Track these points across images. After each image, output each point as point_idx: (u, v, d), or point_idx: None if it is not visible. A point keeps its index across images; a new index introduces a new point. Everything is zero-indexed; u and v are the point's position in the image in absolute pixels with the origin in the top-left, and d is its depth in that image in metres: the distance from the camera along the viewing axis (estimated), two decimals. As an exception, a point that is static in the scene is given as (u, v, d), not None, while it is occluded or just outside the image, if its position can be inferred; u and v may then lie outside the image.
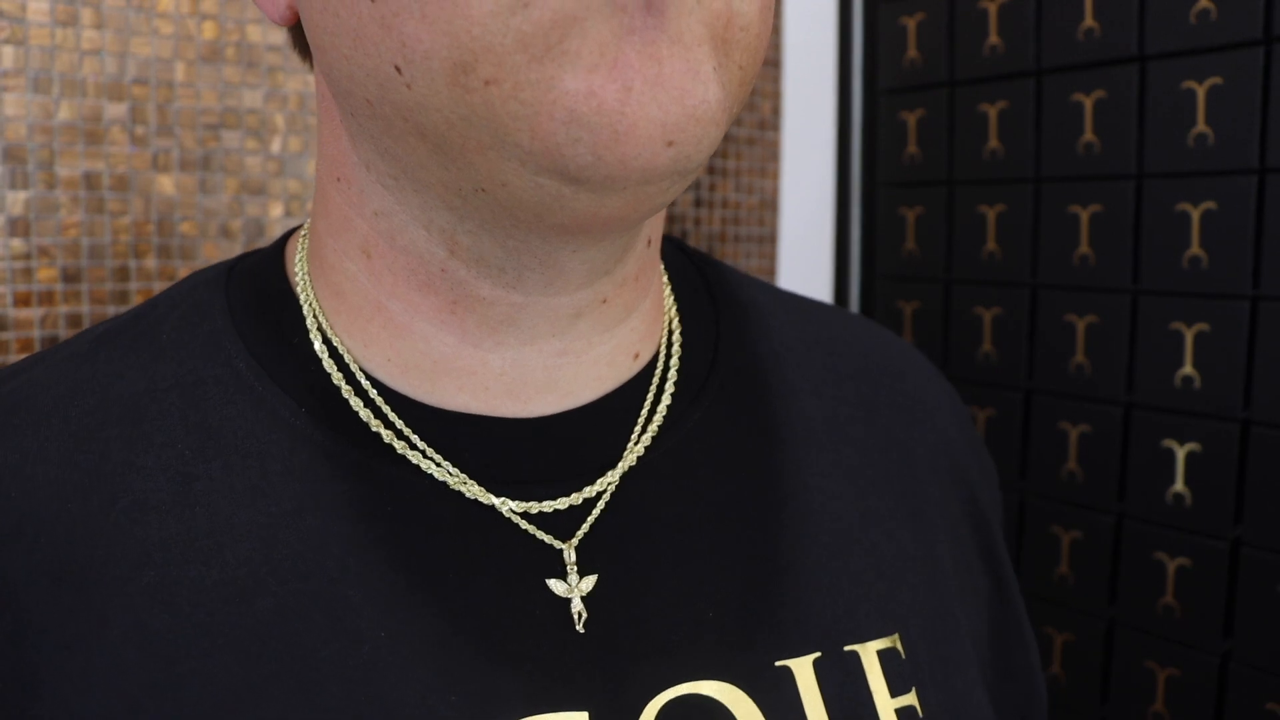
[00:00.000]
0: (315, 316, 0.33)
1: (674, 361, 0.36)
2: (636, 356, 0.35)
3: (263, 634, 0.28)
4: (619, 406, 0.34)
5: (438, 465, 0.31)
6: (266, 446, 0.30)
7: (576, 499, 0.32)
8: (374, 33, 0.25)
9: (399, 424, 0.31)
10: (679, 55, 0.24)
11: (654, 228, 0.34)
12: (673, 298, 0.38)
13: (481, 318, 0.31)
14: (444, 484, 0.31)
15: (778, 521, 0.34)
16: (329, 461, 0.30)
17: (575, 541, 0.31)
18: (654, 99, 0.24)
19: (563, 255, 0.30)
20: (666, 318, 0.37)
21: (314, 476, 0.30)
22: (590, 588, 0.31)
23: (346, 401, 0.31)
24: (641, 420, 0.34)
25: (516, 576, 0.30)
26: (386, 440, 0.31)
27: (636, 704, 0.29)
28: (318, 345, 0.32)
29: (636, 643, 0.30)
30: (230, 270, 0.35)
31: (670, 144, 0.25)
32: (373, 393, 0.32)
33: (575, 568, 0.31)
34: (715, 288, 0.40)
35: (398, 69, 0.25)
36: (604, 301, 0.33)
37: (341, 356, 0.32)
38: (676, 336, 0.37)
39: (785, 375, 0.38)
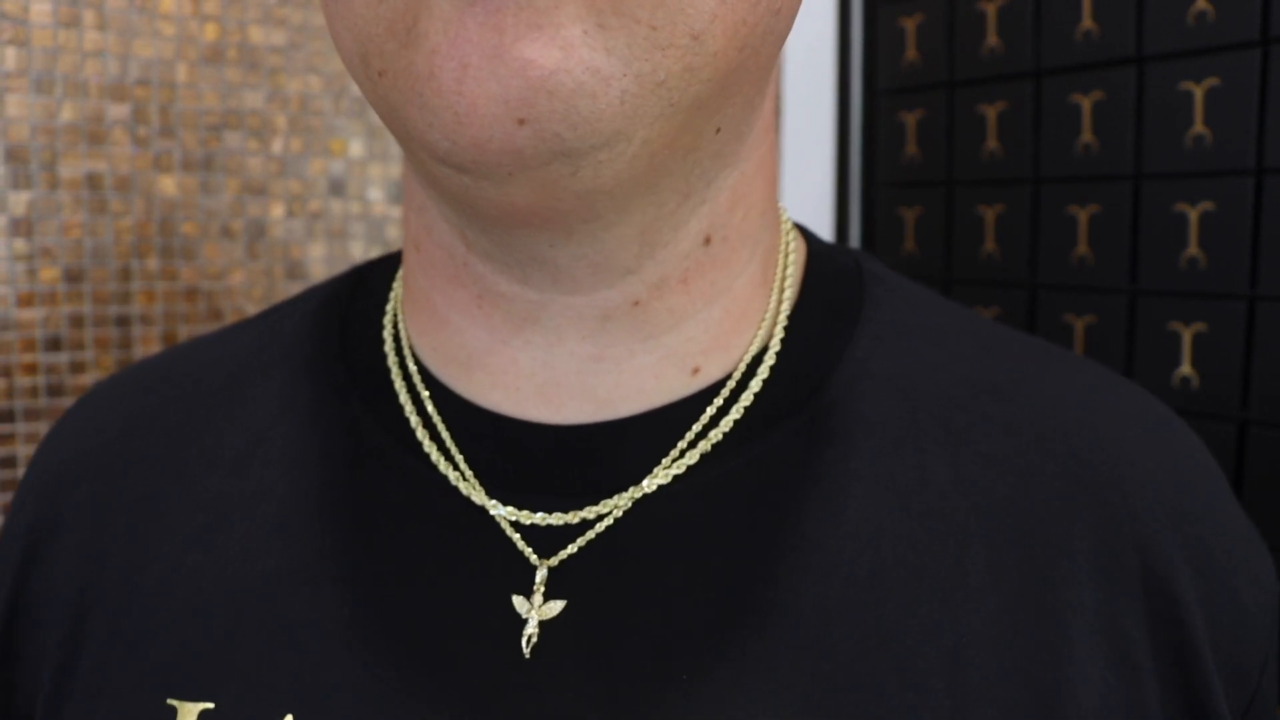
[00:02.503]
0: (395, 303, 0.35)
1: (754, 384, 0.31)
2: (695, 372, 0.31)
3: (257, 591, 0.30)
4: (661, 424, 0.30)
5: (446, 459, 0.31)
6: (320, 421, 0.33)
7: (574, 517, 0.29)
8: (332, 34, 0.26)
9: (431, 413, 0.32)
10: (527, 22, 0.22)
11: (715, 224, 0.30)
12: (788, 313, 0.33)
13: (506, 314, 0.31)
14: (445, 478, 0.31)
15: (811, 589, 0.28)
16: (357, 443, 0.32)
17: (554, 561, 0.29)
18: (492, 74, 0.22)
19: (542, 249, 0.28)
20: (761, 333, 0.32)
21: (343, 456, 0.32)
22: (554, 613, 0.28)
23: (393, 386, 0.33)
24: (683, 444, 0.30)
25: (487, 585, 0.29)
26: (412, 425, 0.32)
27: None
28: (387, 330, 0.34)
29: (583, 686, 0.27)
30: (387, 256, 0.39)
31: (522, 122, 0.23)
32: (416, 378, 0.33)
33: (543, 588, 0.29)
34: (871, 309, 0.34)
35: (348, 66, 0.26)
36: (635, 304, 0.30)
37: (401, 343, 0.34)
38: (769, 356, 0.31)
39: (914, 422, 0.31)
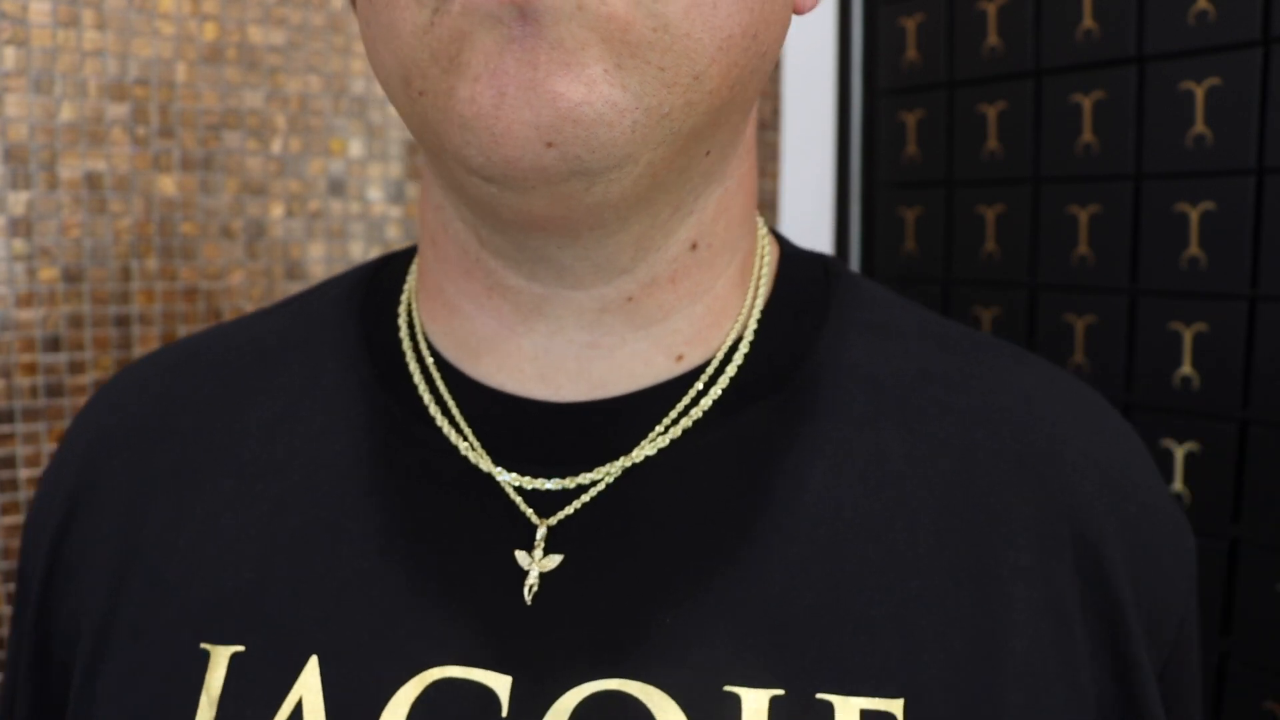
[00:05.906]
0: (409, 293, 0.39)
1: (730, 369, 0.35)
2: (680, 359, 0.35)
3: (285, 546, 0.34)
4: (649, 403, 0.34)
5: (458, 432, 0.34)
6: (342, 395, 0.37)
7: (570, 482, 0.33)
8: (370, 52, 0.30)
9: (443, 391, 0.35)
10: (557, 60, 0.26)
11: (702, 232, 0.34)
12: (760, 309, 0.37)
13: (514, 305, 0.34)
14: (456, 448, 0.34)
15: (778, 547, 0.32)
16: (376, 415, 0.36)
17: (553, 521, 0.33)
18: (526, 103, 0.26)
19: (550, 250, 0.32)
20: (738, 326, 0.36)
21: (362, 425, 0.36)
22: (553, 566, 0.32)
23: (407, 366, 0.36)
24: (667, 420, 0.34)
25: (491, 542, 0.33)
26: (425, 402, 0.35)
27: (559, 687, 0.30)
28: (401, 317, 0.38)
29: (579, 630, 0.31)
30: (406, 250, 0.42)
31: (550, 145, 0.27)
32: (429, 361, 0.36)
33: (542, 544, 0.32)
34: (838, 308, 0.38)
35: (385, 83, 0.30)
36: (629, 299, 0.34)
37: (414, 329, 0.37)
38: (744, 346, 0.36)
39: (874, 406, 0.35)
